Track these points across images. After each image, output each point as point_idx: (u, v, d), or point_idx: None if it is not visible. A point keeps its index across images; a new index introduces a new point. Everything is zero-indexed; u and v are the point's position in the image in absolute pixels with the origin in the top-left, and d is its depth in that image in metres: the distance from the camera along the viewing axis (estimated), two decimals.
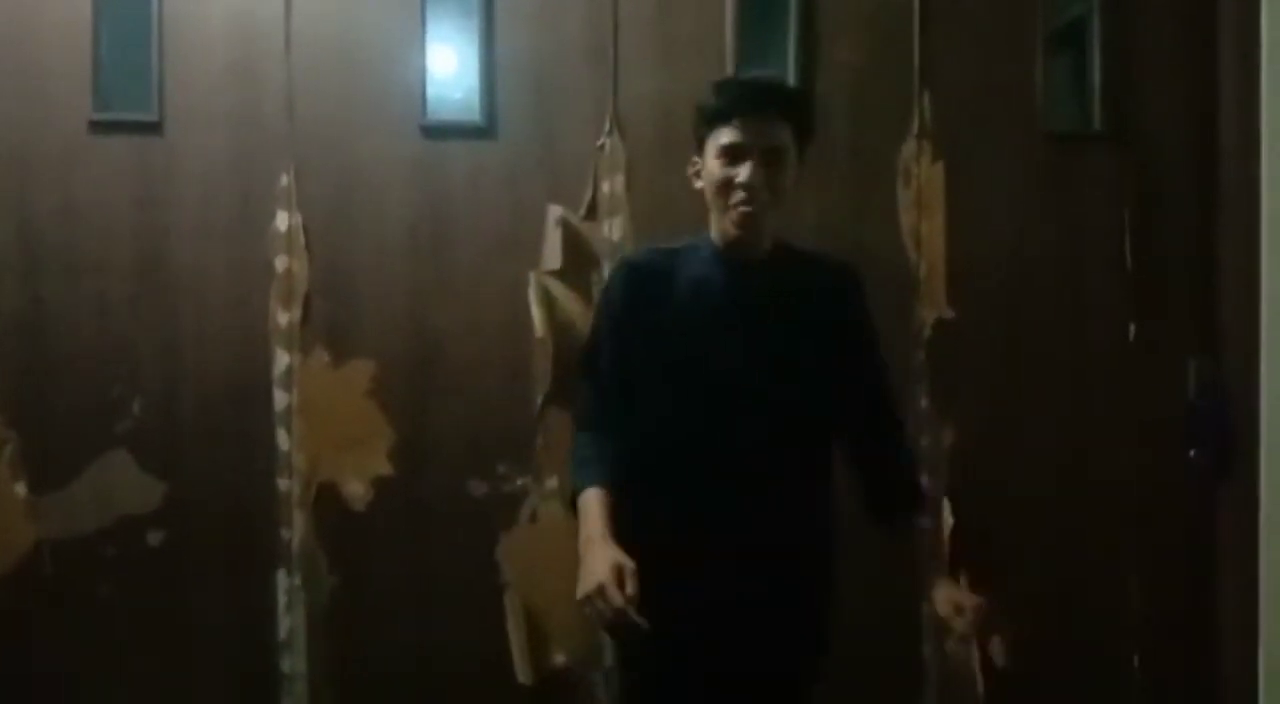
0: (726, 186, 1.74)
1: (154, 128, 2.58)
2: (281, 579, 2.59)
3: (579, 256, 2.63)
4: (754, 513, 1.76)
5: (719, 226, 1.80)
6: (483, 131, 2.63)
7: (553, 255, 2.62)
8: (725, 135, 1.73)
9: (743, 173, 1.71)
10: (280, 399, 2.59)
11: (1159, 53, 2.70)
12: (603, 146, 2.63)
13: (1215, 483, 2.67)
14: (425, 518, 2.61)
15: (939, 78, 2.68)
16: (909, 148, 2.67)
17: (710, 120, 1.76)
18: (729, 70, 2.63)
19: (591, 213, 2.64)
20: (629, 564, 1.58)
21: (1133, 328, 2.69)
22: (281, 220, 2.60)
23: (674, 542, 1.74)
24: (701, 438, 1.77)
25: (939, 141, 2.67)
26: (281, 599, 2.60)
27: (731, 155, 1.73)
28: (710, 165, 1.76)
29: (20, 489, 2.56)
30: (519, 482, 2.62)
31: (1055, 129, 2.70)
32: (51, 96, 2.57)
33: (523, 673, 2.59)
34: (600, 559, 1.60)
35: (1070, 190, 2.69)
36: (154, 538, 2.58)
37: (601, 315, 1.88)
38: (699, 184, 1.82)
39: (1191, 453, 2.68)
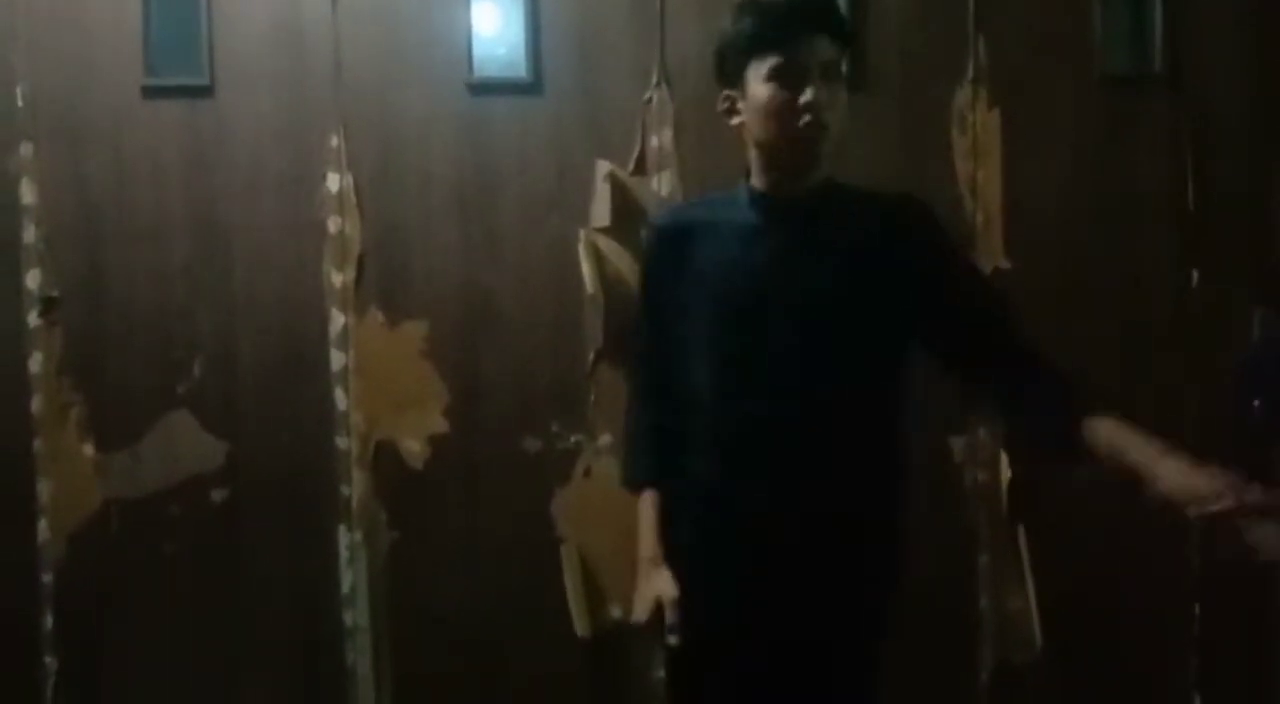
0: (788, 111, 1.59)
1: (205, 91, 2.60)
2: (343, 535, 2.65)
3: (628, 212, 2.62)
4: (805, 472, 1.65)
5: (769, 162, 1.68)
6: (529, 88, 2.62)
7: (601, 211, 2.61)
8: (775, 57, 1.60)
9: (808, 93, 1.58)
10: (337, 359, 2.63)
11: None
12: (650, 100, 2.61)
13: (1277, 433, 2.62)
14: (481, 474, 2.64)
15: (994, 21, 2.61)
16: (964, 94, 2.62)
17: (752, 46, 1.62)
18: None
19: (640, 167, 2.62)
20: (670, 594, 1.67)
21: (1195, 276, 2.64)
22: (333, 181, 2.61)
23: (726, 504, 1.69)
24: (749, 391, 1.65)
25: (994, 87, 2.62)
26: (343, 554, 2.65)
27: (787, 78, 1.59)
28: (759, 92, 1.61)
29: (88, 450, 2.63)
30: (572, 438, 2.64)
31: (1114, 72, 2.62)
32: (103, 63, 2.59)
33: (580, 625, 2.63)
34: (647, 589, 1.71)
35: (1129, 135, 2.63)
36: (218, 496, 2.64)
37: (641, 282, 1.84)
38: (737, 120, 1.67)
39: (1254, 402, 2.62)
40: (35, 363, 2.62)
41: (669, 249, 1.74)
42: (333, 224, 2.62)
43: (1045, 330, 2.59)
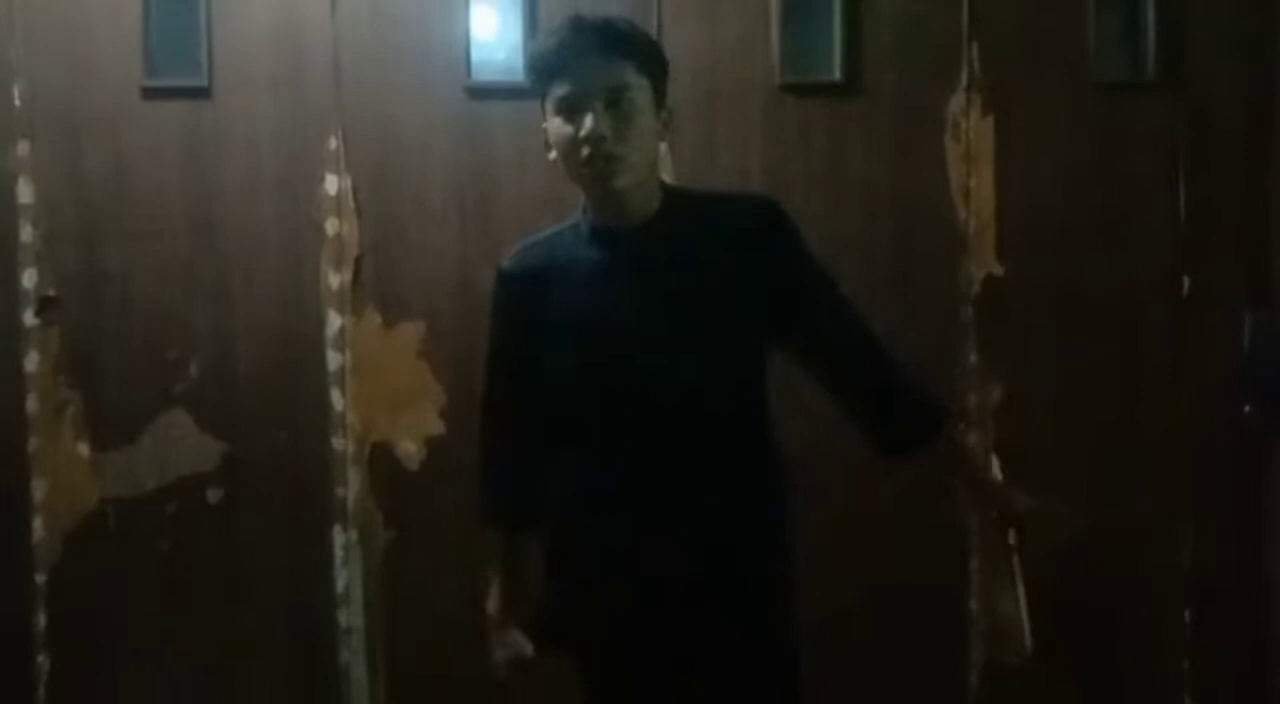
0: (573, 146, 1.54)
1: (203, 93, 2.60)
2: (338, 535, 2.65)
3: None
4: (686, 509, 1.63)
5: (584, 196, 1.64)
6: (527, 91, 2.60)
7: None
8: (560, 87, 1.54)
9: (586, 124, 1.51)
10: (334, 360, 2.63)
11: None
12: None
13: (1270, 438, 2.64)
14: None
15: (987, 28, 2.63)
16: (957, 101, 2.64)
17: (542, 75, 1.57)
18: (774, 23, 2.61)
19: None
20: (529, 655, 1.77)
21: (1186, 281, 2.66)
22: (331, 183, 2.62)
23: (614, 541, 1.68)
24: (622, 430, 1.62)
25: (988, 94, 2.63)
26: (338, 555, 2.65)
27: (570, 109, 1.54)
28: (552, 126, 1.57)
29: (84, 449, 2.63)
30: None
31: (1107, 79, 2.64)
32: (102, 64, 2.60)
33: None
34: (503, 653, 1.81)
35: (1123, 141, 2.65)
36: (213, 496, 2.64)
37: (492, 329, 1.76)
38: (552, 155, 1.61)
39: (1246, 408, 2.65)
40: (31, 362, 2.62)
41: (517, 296, 1.69)
42: (330, 226, 2.62)
43: (1037, 335, 2.65)
